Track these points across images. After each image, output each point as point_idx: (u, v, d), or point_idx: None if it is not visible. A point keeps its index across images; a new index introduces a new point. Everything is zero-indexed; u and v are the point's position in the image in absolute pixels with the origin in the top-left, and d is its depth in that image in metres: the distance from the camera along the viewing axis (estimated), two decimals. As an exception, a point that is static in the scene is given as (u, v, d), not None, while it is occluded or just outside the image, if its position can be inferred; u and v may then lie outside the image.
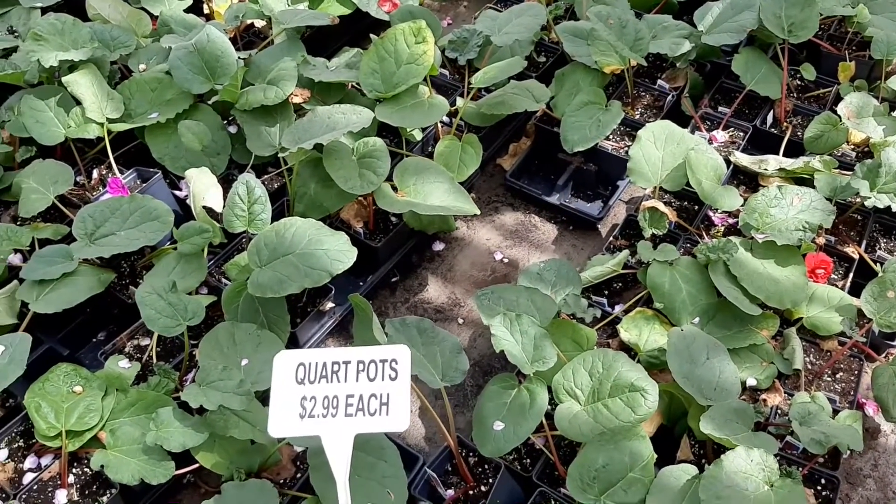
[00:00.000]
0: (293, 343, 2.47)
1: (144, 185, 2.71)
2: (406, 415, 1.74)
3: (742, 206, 2.57)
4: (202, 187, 2.59)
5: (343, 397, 1.76)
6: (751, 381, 2.25)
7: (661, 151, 2.65)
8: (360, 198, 2.70)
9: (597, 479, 1.92)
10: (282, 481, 2.14)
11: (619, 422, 1.97)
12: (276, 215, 2.48)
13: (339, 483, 1.72)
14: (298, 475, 2.16)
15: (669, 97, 3.08)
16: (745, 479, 1.87)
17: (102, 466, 2.03)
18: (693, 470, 1.96)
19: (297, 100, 2.77)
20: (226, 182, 2.74)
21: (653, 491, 1.92)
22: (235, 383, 2.04)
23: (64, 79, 2.70)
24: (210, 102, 2.81)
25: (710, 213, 2.72)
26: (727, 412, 2.04)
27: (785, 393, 2.26)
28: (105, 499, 2.11)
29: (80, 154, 2.80)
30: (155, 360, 2.31)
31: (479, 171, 3.01)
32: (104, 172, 2.81)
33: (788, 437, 2.15)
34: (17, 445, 2.24)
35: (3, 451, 2.22)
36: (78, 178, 2.77)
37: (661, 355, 2.28)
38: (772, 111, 3.05)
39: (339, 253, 2.33)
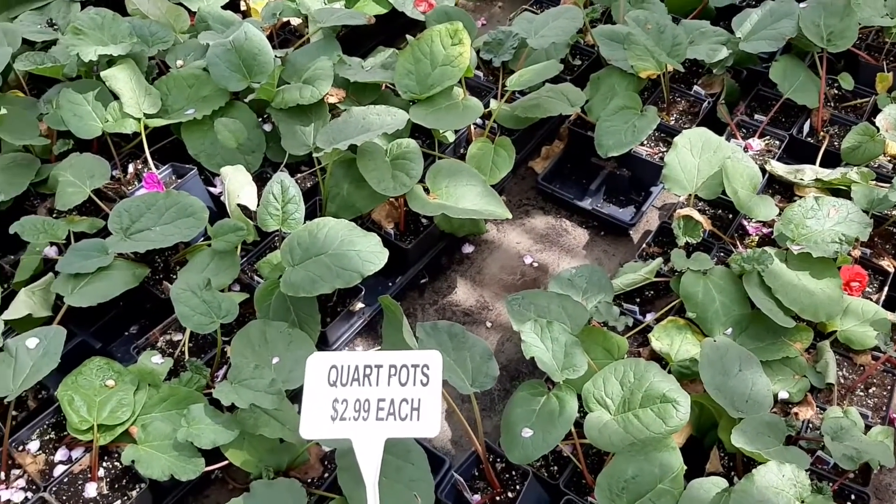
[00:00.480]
0: (323, 342, 2.47)
1: (180, 180, 2.73)
2: (437, 421, 1.74)
3: (777, 216, 2.55)
4: (237, 185, 2.60)
5: (375, 401, 1.76)
6: (783, 394, 2.23)
7: (698, 159, 2.62)
8: (391, 199, 2.70)
9: (626, 489, 1.91)
10: (309, 480, 2.15)
11: (649, 433, 1.95)
12: (309, 214, 2.49)
13: (369, 486, 1.72)
14: (326, 475, 2.17)
15: (705, 103, 3.05)
16: (776, 495, 1.85)
17: (133, 461, 2.04)
18: (723, 483, 1.94)
19: (332, 99, 2.78)
20: (260, 180, 2.76)
21: (683, 501, 1.90)
22: (267, 382, 2.05)
23: (102, 73, 2.72)
24: (246, 100, 2.83)
25: (745, 223, 2.70)
26: (759, 425, 2.03)
27: (817, 407, 2.23)
28: (134, 493, 2.13)
29: (116, 148, 2.83)
30: (187, 355, 2.33)
31: (510, 173, 3.00)
32: (140, 167, 2.84)
33: (819, 452, 2.12)
34: (48, 437, 2.27)
35: (34, 443, 2.25)
36: (114, 173, 2.79)
37: (692, 366, 2.27)
38: (808, 120, 3.01)
39: (371, 254, 2.33)
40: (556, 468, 2.18)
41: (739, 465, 2.13)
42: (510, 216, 2.54)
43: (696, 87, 3.11)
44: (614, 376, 2.07)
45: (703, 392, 2.15)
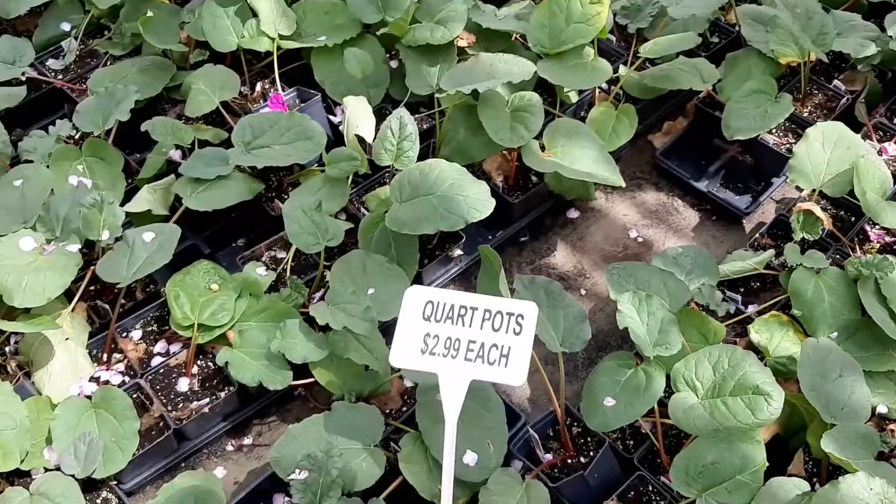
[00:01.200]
0: (417, 281, 2.50)
1: (303, 104, 2.79)
2: (524, 371, 1.75)
3: (904, 226, 2.43)
4: (357, 115, 2.64)
5: (465, 341, 1.78)
6: (881, 409, 2.14)
7: (828, 153, 2.51)
8: (504, 151, 2.69)
9: (702, 474, 1.89)
10: (388, 411, 2.20)
11: (736, 422, 1.91)
12: (421, 156, 2.50)
13: (448, 423, 1.75)
14: (404, 408, 2.21)
15: (844, 100, 2.91)
16: (860, 507, 1.79)
17: (227, 363, 2.13)
18: (805, 486, 1.89)
19: (461, 43, 2.77)
20: (379, 115, 2.78)
21: (759, 499, 1.86)
22: (362, 308, 2.09)
23: (243, -11, 2.79)
24: (378, 34, 2.85)
25: (868, 228, 2.58)
26: (852, 434, 1.96)
27: (916, 428, 2.14)
28: (223, 395, 2.23)
29: (248, 65, 2.90)
30: (289, 273, 2.40)
31: (628, 144, 2.94)
32: (267, 87, 2.90)
33: (911, 474, 2.04)
34: (150, 329, 2.38)
35: (137, 332, 2.37)
36: (242, 89, 2.86)
37: (789, 364, 2.20)
38: (954, 132, 2.84)
39: (478, 202, 2.34)
40: (632, 442, 2.16)
41: (824, 473, 2.07)
42: (623, 184, 2.50)
43: (836, 82, 2.96)
44: (708, 360, 2.03)
45: (797, 392, 2.10)
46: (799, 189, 2.60)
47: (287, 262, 2.42)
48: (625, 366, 2.08)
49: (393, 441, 2.09)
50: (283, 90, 2.82)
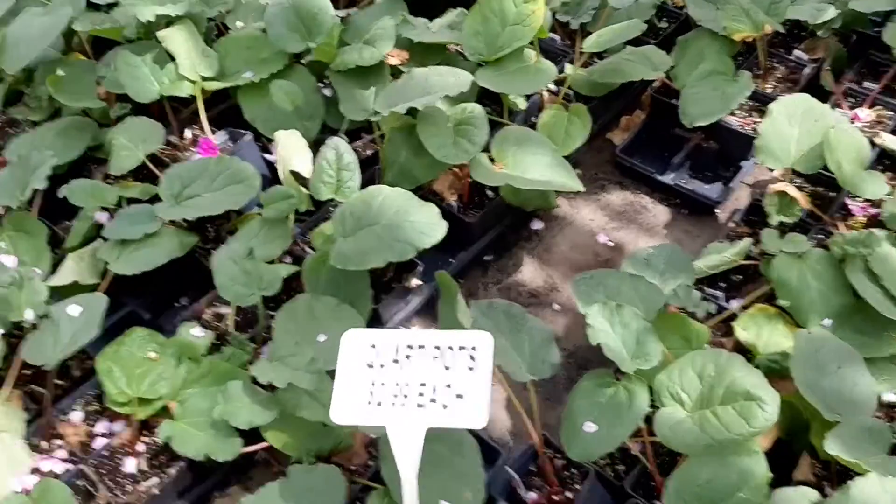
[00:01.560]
0: (376, 320, 2.32)
1: (235, 146, 2.62)
2: (485, 411, 1.56)
3: (888, 194, 2.25)
4: (291, 150, 2.46)
5: (415, 385, 1.60)
6: (888, 397, 1.95)
7: (797, 128, 2.34)
8: (454, 169, 2.52)
9: (698, 496, 1.69)
10: (353, 467, 2.01)
11: (729, 434, 1.72)
12: (367, 183, 2.32)
13: (405, 480, 1.56)
14: (371, 462, 2.02)
15: (807, 69, 2.75)
16: (876, 513, 1.60)
17: (169, 438, 1.94)
18: (814, 495, 1.69)
19: (393, 61, 2.61)
20: (317, 147, 2.59)
21: (765, 515, 1.68)
22: (306, 360, 1.91)
23: (158, 34, 2.62)
24: (305, 62, 2.69)
25: (849, 202, 2.41)
26: (858, 431, 1.77)
27: (929, 412, 1.96)
28: (174, 471, 2.03)
29: (174, 113, 2.73)
30: (233, 329, 2.21)
31: (586, 145, 2.78)
32: (196, 132, 2.74)
33: (930, 465, 1.85)
34: (91, 408, 2.19)
35: (77, 413, 2.18)
36: (171, 138, 2.70)
37: (782, 360, 2.01)
38: (928, 89, 2.68)
39: (428, 226, 2.16)
40: (622, 468, 1.97)
41: (835, 476, 1.88)
42: (582, 188, 2.33)
43: (796, 52, 2.81)
44: (692, 368, 1.85)
45: (795, 391, 1.91)
46: (770, 169, 2.42)
47: (231, 317, 2.24)
48: (604, 385, 1.90)
49: (360, 501, 1.90)
50: (213, 133, 2.65)
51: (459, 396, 1.57)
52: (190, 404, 2.01)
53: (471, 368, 1.59)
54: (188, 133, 2.74)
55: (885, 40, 2.65)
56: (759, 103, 2.68)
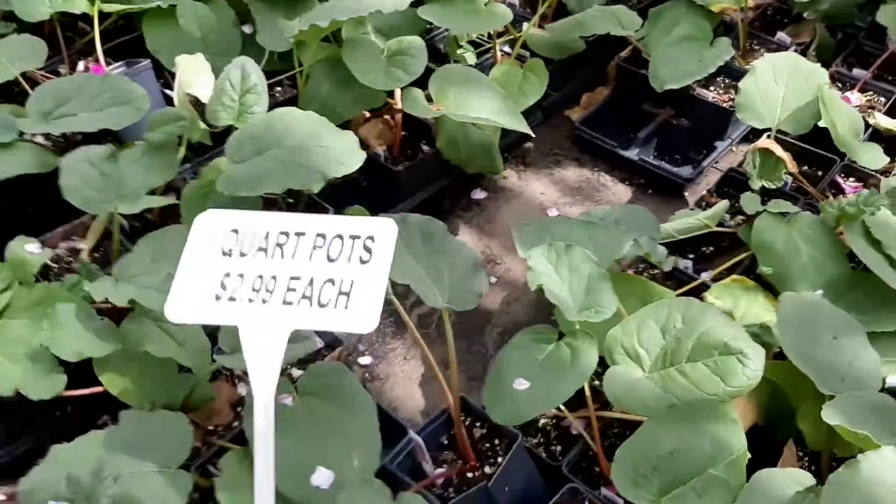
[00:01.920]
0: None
1: (131, 74, 2.22)
2: (375, 313, 1.14)
3: (883, 173, 1.94)
4: (192, 74, 2.07)
5: (284, 279, 1.17)
6: (893, 381, 1.56)
7: (783, 88, 2.04)
8: (385, 117, 2.16)
9: (657, 469, 1.27)
10: (212, 427, 1.55)
11: (700, 392, 1.33)
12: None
13: (259, 402, 1.12)
14: (236, 423, 1.56)
15: (790, 51, 2.46)
16: (890, 494, 1.19)
17: (-25, 370, 1.47)
18: (807, 479, 1.29)
19: (325, -10, 2.26)
20: (227, 85, 2.23)
21: (743, 499, 1.25)
22: (161, 278, 1.47)
23: (54, -59, 2.26)
24: (224, -10, 2.34)
25: (840, 180, 2.08)
26: (862, 405, 1.37)
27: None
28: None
29: (67, 43, 2.33)
30: (86, 256, 1.77)
31: (541, 120, 2.45)
32: (90, 64, 2.34)
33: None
34: None
35: None
36: (61, 69, 2.30)
37: (763, 334, 1.62)
38: (923, 79, 2.40)
39: (343, 153, 1.78)
40: (559, 448, 1.54)
41: (825, 467, 1.47)
42: (531, 133, 1.98)
43: (780, 34, 2.53)
44: (653, 320, 1.46)
45: (778, 365, 1.53)
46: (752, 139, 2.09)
47: (89, 238, 1.79)
48: (542, 340, 1.49)
49: (213, 465, 1.43)
50: (109, 65, 2.26)
51: (344, 294, 1.15)
52: (9, 331, 1.54)
53: (363, 261, 1.17)
54: (81, 65, 2.34)
55: (879, 20, 2.38)
56: (737, 80, 2.36)
